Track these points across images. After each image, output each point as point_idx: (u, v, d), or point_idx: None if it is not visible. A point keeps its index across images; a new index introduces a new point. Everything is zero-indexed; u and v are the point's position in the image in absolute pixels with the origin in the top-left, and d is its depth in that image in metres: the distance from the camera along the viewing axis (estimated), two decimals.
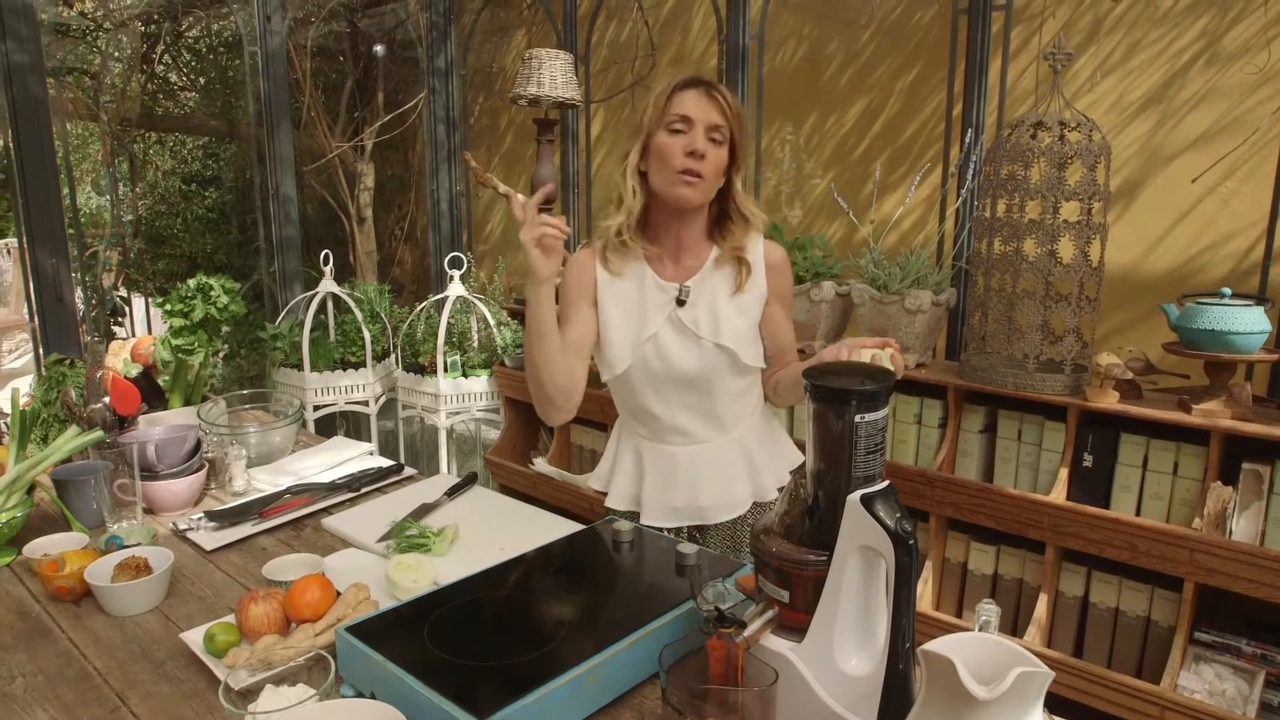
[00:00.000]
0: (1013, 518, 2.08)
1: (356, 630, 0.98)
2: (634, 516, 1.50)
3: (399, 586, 1.21)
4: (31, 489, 1.47)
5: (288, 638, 1.07)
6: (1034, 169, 1.99)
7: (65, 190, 3.07)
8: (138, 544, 1.36)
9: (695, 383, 1.44)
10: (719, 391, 1.45)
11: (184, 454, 1.61)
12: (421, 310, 3.38)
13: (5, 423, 1.80)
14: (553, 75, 2.90)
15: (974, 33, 2.41)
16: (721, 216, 1.46)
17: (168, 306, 1.87)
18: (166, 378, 1.93)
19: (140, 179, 5.06)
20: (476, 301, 3.24)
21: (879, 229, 2.53)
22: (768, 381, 1.53)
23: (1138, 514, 1.96)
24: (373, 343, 3.29)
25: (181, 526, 1.49)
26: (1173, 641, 1.88)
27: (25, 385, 2.27)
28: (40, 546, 1.33)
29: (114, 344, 2.13)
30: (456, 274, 3.22)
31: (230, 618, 1.12)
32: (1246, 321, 1.78)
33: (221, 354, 4.33)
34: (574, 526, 1.42)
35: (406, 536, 1.38)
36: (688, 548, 1.19)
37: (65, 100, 4.06)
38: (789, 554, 0.91)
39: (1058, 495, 2.03)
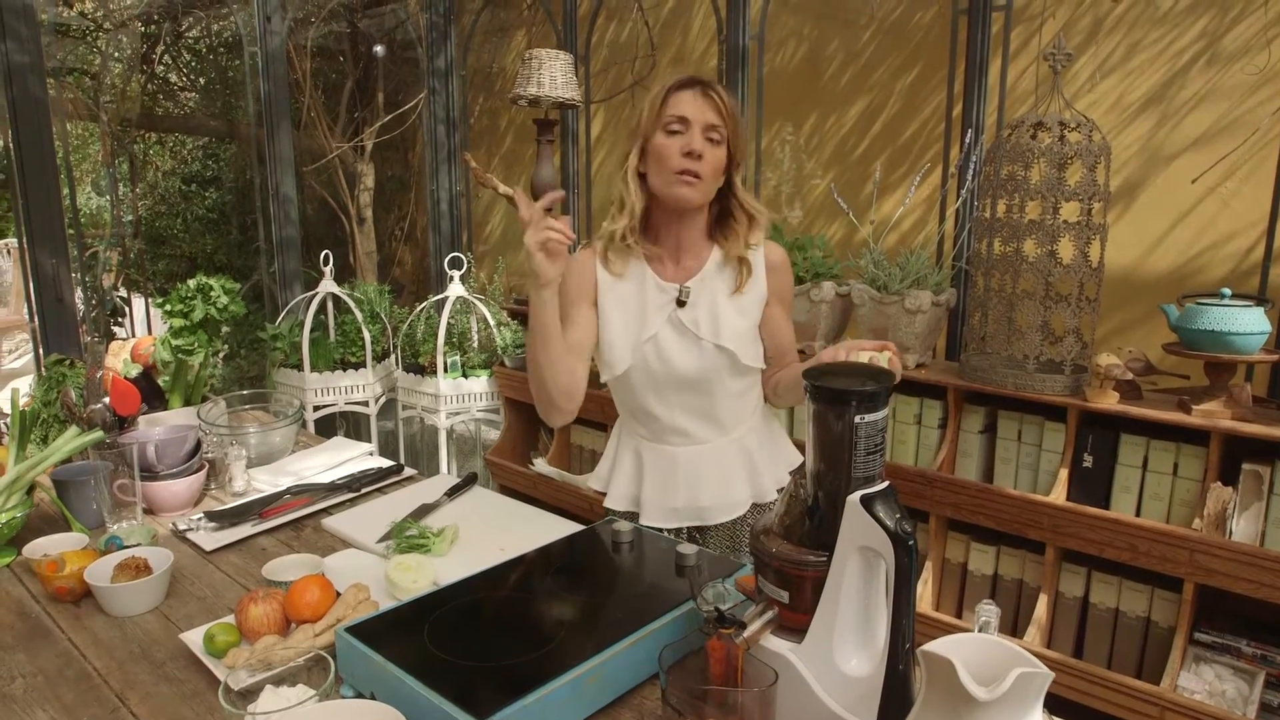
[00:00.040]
0: (1013, 518, 2.08)
1: (356, 631, 0.98)
2: (633, 517, 1.49)
3: (399, 587, 1.21)
4: (31, 489, 1.47)
5: (287, 638, 1.07)
6: (1034, 169, 1.99)
7: (65, 190, 3.07)
8: (138, 544, 1.36)
9: (695, 383, 1.44)
10: (719, 392, 1.45)
11: (184, 454, 1.61)
12: (421, 310, 3.38)
13: (5, 423, 1.80)
14: (553, 75, 2.90)
15: (974, 33, 2.41)
16: (723, 215, 1.46)
17: (168, 307, 1.87)
18: (166, 378, 1.92)
19: (140, 179, 5.06)
20: (476, 302, 3.24)
21: (879, 229, 2.53)
22: (768, 382, 1.53)
23: (1138, 514, 1.96)
24: (373, 343, 3.29)
25: (181, 527, 1.49)
26: (1173, 642, 1.88)
27: (25, 385, 2.27)
28: (40, 547, 1.33)
29: (114, 344, 2.13)
30: (456, 274, 3.22)
31: (230, 618, 1.12)
32: (1246, 322, 1.78)
33: (221, 354, 4.33)
34: (574, 527, 1.42)
35: (406, 537, 1.38)
36: (687, 548, 1.19)
37: (65, 100, 4.06)
38: (789, 555, 0.91)
39: (1058, 496, 2.03)
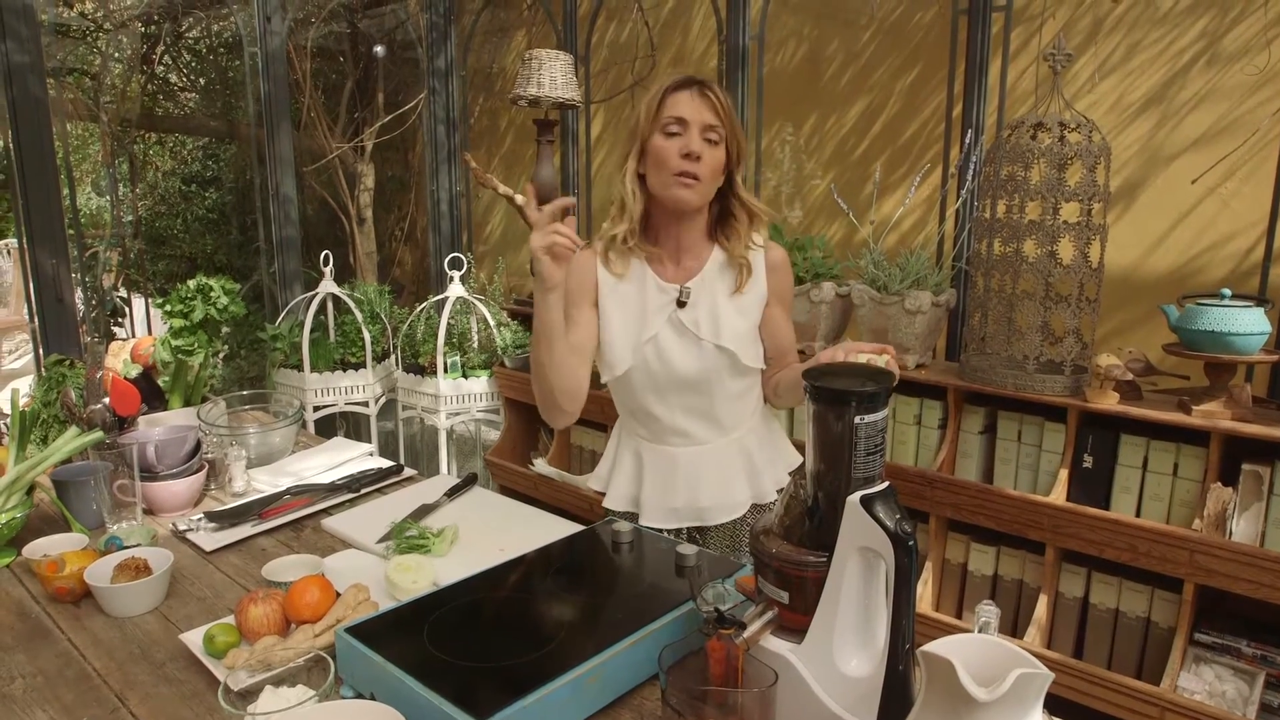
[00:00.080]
0: (1013, 519, 2.08)
1: (356, 631, 0.98)
2: (633, 517, 1.49)
3: (399, 587, 1.21)
4: (31, 490, 1.47)
5: (287, 639, 1.07)
6: (1034, 170, 1.99)
7: (65, 191, 3.07)
8: (137, 545, 1.36)
9: (695, 384, 1.44)
10: (718, 393, 1.45)
11: (184, 455, 1.61)
12: (421, 311, 3.38)
13: (5, 423, 1.80)
14: (553, 76, 2.90)
15: (974, 33, 2.41)
16: (724, 215, 1.46)
17: (168, 307, 1.87)
18: (166, 378, 1.92)
19: (140, 179, 5.06)
20: (476, 302, 3.24)
21: (879, 230, 2.53)
22: (767, 383, 1.53)
23: (1138, 515, 1.96)
24: (373, 343, 3.29)
25: (181, 527, 1.49)
26: (1173, 642, 1.88)
27: (25, 386, 2.27)
28: (40, 547, 1.33)
29: (114, 345, 2.13)
30: (456, 275, 3.22)
31: (230, 619, 1.12)
32: (1246, 323, 1.78)
33: (221, 355, 4.33)
34: (574, 527, 1.42)
35: (406, 537, 1.38)
36: (687, 549, 1.19)
37: (65, 101, 4.06)
38: (789, 555, 0.91)
39: (1058, 496, 2.03)
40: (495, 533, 1.45)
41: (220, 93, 4.92)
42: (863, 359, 1.14)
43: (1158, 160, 2.35)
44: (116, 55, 4.56)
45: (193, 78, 5.06)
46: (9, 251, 5.87)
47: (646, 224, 1.45)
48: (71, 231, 3.30)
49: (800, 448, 1.45)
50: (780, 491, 1.30)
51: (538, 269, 1.27)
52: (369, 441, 3.15)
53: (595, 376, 1.45)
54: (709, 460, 1.49)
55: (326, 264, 3.30)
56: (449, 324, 3.17)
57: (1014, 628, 2.17)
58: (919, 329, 2.23)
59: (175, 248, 5.08)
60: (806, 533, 0.92)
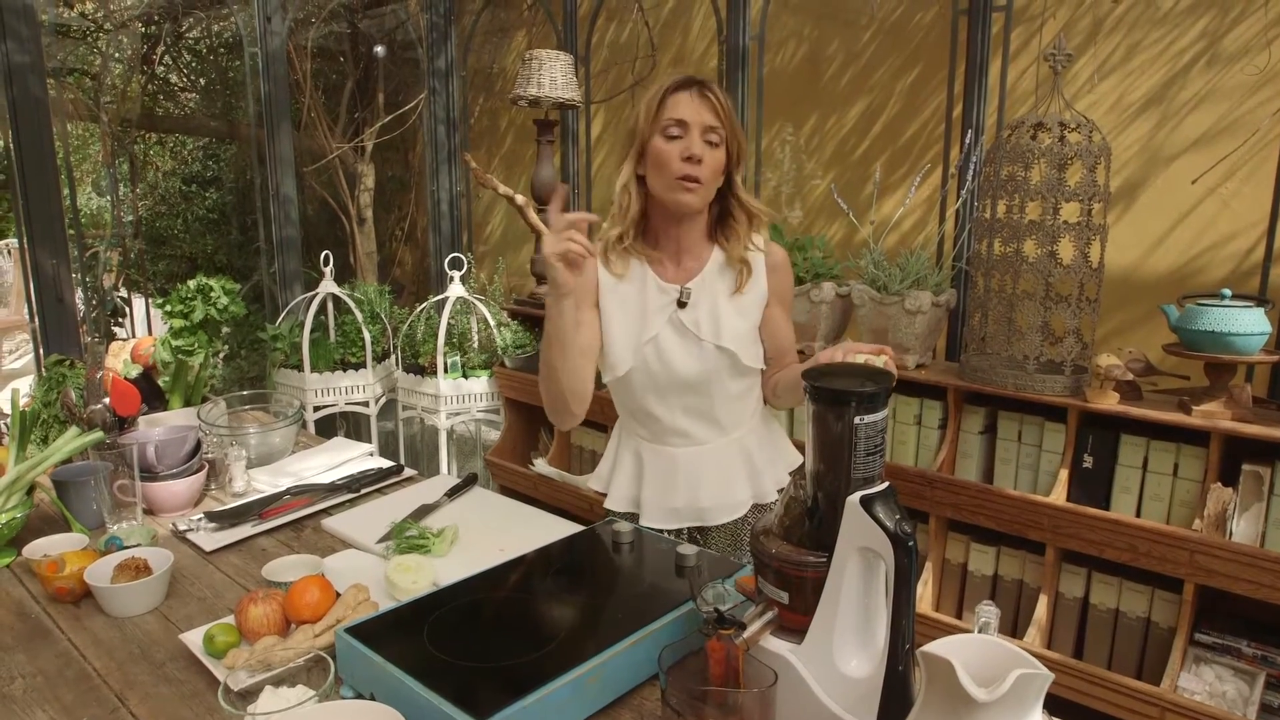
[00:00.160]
0: (1013, 519, 2.08)
1: (356, 631, 0.98)
2: (634, 518, 1.49)
3: (398, 588, 1.21)
4: (31, 490, 1.47)
5: (287, 639, 1.07)
6: (1034, 170, 1.99)
7: (65, 191, 3.07)
8: (137, 545, 1.36)
9: (695, 385, 1.44)
10: (719, 393, 1.45)
11: (184, 455, 1.61)
12: (421, 311, 3.38)
13: (5, 423, 1.80)
14: (553, 76, 2.90)
15: (974, 34, 2.41)
16: (723, 216, 1.46)
17: (168, 307, 1.87)
18: (166, 378, 1.93)
19: (140, 180, 5.06)
20: (477, 302, 3.24)
21: (879, 230, 2.53)
22: (767, 383, 1.53)
23: (1138, 515, 1.96)
24: (373, 343, 3.29)
25: (181, 527, 1.49)
26: (1173, 643, 1.88)
27: (25, 386, 2.27)
28: (40, 547, 1.33)
29: (114, 345, 2.13)
30: (457, 275, 3.22)
31: (230, 619, 1.12)
32: (1247, 323, 1.78)
33: (222, 355, 4.34)
34: (574, 528, 1.42)
35: (406, 537, 1.38)
36: (687, 549, 1.19)
37: (66, 101, 4.06)
38: (788, 555, 0.91)
39: (1058, 496, 2.03)
40: (495, 533, 1.45)
41: (220, 93, 4.92)
42: (861, 359, 1.14)
43: (1158, 160, 2.35)
44: (117, 55, 4.56)
45: (193, 78, 5.06)
46: (9, 251, 5.88)
47: (646, 225, 1.45)
48: (72, 231, 3.30)
49: (800, 448, 1.45)
50: (781, 491, 1.30)
51: (551, 276, 1.26)
52: (369, 442, 3.15)
53: (596, 377, 1.46)
54: (709, 460, 1.49)
55: (327, 264, 3.31)
56: (449, 324, 3.17)
57: (1014, 628, 2.17)
58: (919, 329, 2.23)
59: (175, 248, 5.08)
60: (806, 533, 0.92)
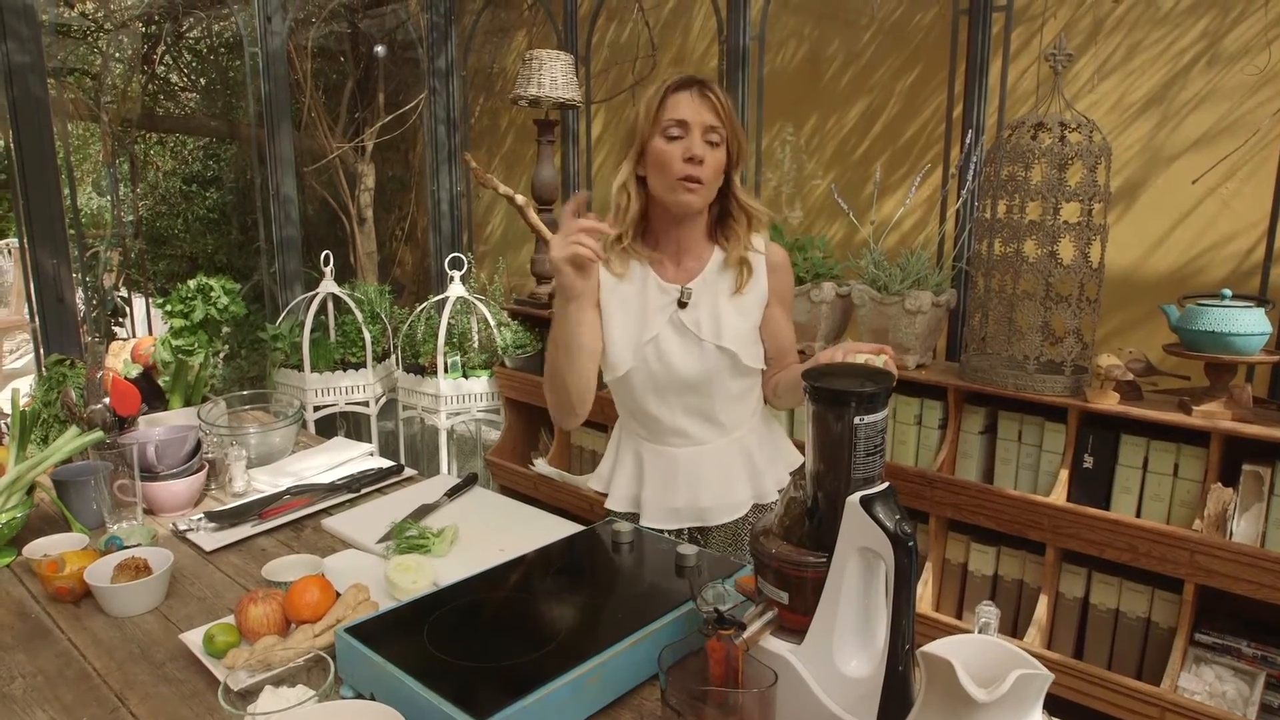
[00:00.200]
0: (1013, 519, 2.08)
1: (356, 631, 0.98)
2: (634, 518, 1.49)
3: (398, 587, 1.21)
4: (31, 489, 1.47)
5: (287, 639, 1.07)
6: (1034, 170, 1.99)
7: (66, 191, 3.07)
8: (137, 544, 1.36)
9: (695, 385, 1.44)
10: (719, 393, 1.45)
11: (184, 455, 1.61)
12: (422, 311, 3.38)
13: (5, 423, 1.80)
14: (553, 76, 2.90)
15: (974, 34, 2.41)
16: (723, 216, 1.46)
17: (168, 307, 1.87)
18: (167, 378, 1.93)
19: (141, 179, 5.07)
20: (477, 302, 3.24)
21: (879, 230, 2.53)
22: (768, 383, 1.53)
23: (1138, 515, 1.96)
24: (373, 343, 3.29)
25: (181, 527, 1.49)
26: (1173, 643, 1.88)
27: (26, 385, 2.27)
28: (40, 547, 1.33)
29: (114, 344, 2.13)
30: (457, 274, 3.22)
31: (230, 618, 1.12)
32: (1247, 323, 1.78)
33: (222, 355, 4.34)
34: (574, 527, 1.42)
35: (406, 537, 1.38)
36: (687, 549, 1.19)
37: (66, 101, 4.06)
38: (788, 555, 0.91)
39: (1058, 496, 2.03)
40: (495, 533, 1.45)
41: (221, 93, 4.92)
42: (861, 359, 1.14)
43: (1158, 160, 2.35)
44: (117, 55, 4.56)
45: (193, 78, 5.06)
46: (10, 251, 5.88)
47: (646, 226, 1.45)
48: (72, 231, 3.31)
49: (800, 448, 1.45)
50: (781, 491, 1.30)
51: (560, 281, 1.24)
52: (369, 441, 3.15)
53: (598, 376, 1.46)
54: (710, 460, 1.49)
55: (327, 264, 3.31)
56: (449, 324, 3.17)
57: (1014, 628, 2.17)
58: (919, 329, 2.23)
59: (176, 248, 5.08)
60: (806, 533, 0.92)
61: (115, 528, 1.42)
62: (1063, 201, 1.97)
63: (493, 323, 3.21)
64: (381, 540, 1.41)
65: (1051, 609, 2.09)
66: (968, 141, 2.36)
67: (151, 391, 1.88)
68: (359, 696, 0.95)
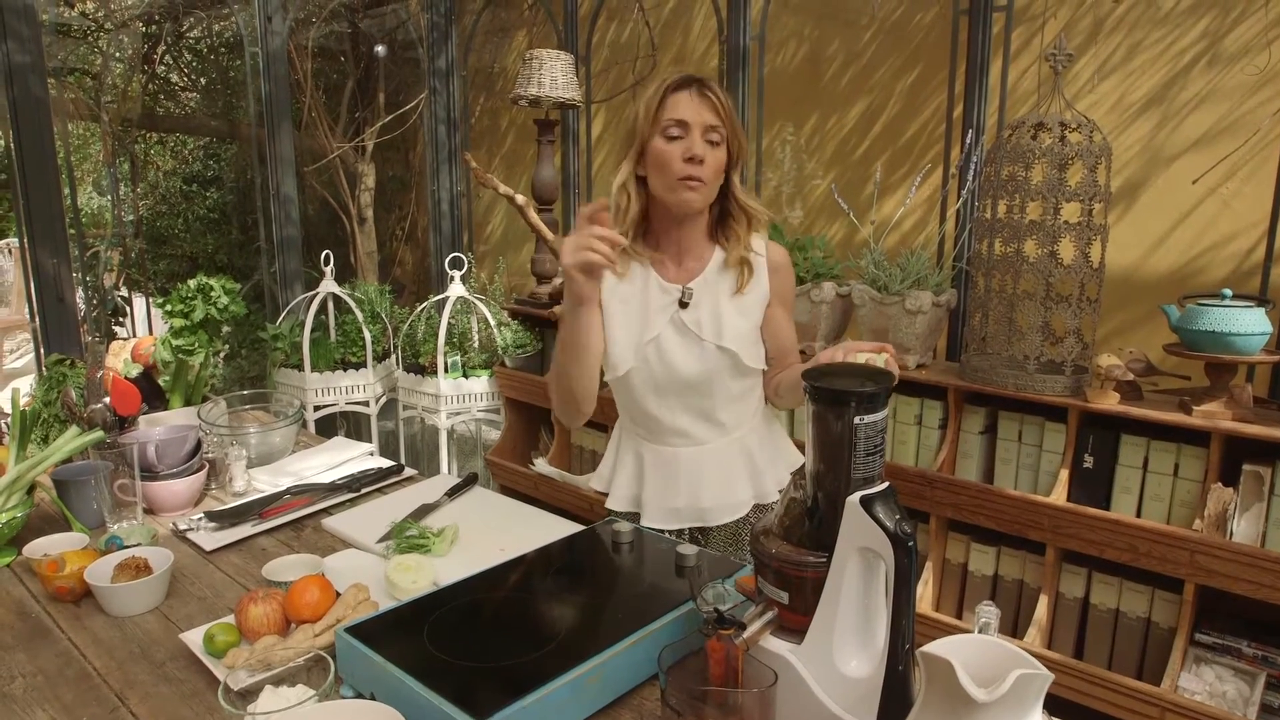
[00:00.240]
0: (1013, 519, 2.08)
1: (356, 631, 0.98)
2: (635, 518, 1.49)
3: (398, 587, 1.21)
4: (32, 489, 1.47)
5: (287, 638, 1.07)
6: (1035, 170, 1.99)
7: (66, 190, 3.07)
8: (138, 544, 1.36)
9: (696, 385, 1.44)
10: (719, 393, 1.45)
11: (184, 454, 1.61)
12: (422, 311, 3.38)
13: (6, 423, 1.80)
14: (553, 76, 2.90)
15: (975, 34, 2.41)
16: (723, 216, 1.46)
17: (168, 307, 1.87)
18: (167, 378, 1.93)
19: (141, 179, 5.07)
20: (477, 302, 3.24)
21: (879, 230, 2.53)
22: (769, 384, 1.52)
23: (1138, 515, 1.96)
24: (373, 343, 3.29)
25: (181, 527, 1.49)
26: (1173, 643, 1.88)
27: (26, 385, 2.27)
28: (40, 547, 1.33)
29: (114, 344, 2.13)
30: (457, 274, 3.22)
31: (230, 618, 1.12)
32: (1247, 323, 1.78)
33: (222, 354, 4.34)
34: (574, 527, 1.42)
35: (406, 537, 1.38)
36: (687, 549, 1.19)
37: (66, 100, 4.06)
38: (788, 555, 0.91)
39: (1058, 496, 2.03)
40: (495, 533, 1.45)
41: (221, 92, 4.92)
42: (862, 358, 1.13)
43: (1159, 160, 2.35)
44: (117, 55, 4.56)
45: (194, 77, 5.06)
46: (10, 251, 5.88)
47: (647, 226, 1.45)
48: (72, 231, 3.31)
49: (801, 448, 1.45)
50: (782, 491, 1.30)
51: (570, 287, 1.23)
52: (369, 441, 3.15)
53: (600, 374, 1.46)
54: (710, 460, 1.49)
55: (327, 264, 3.31)
56: (449, 324, 3.17)
57: (1014, 628, 2.17)
58: (919, 329, 2.23)
59: (176, 247, 5.09)
60: (806, 533, 0.92)
61: (115, 527, 1.42)
62: (1063, 201, 1.97)
63: (493, 322, 3.21)
64: (381, 540, 1.41)
65: (1051, 609, 2.09)
66: (968, 141, 2.36)
67: (152, 391, 1.88)
68: (359, 696, 0.95)
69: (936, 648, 0.69)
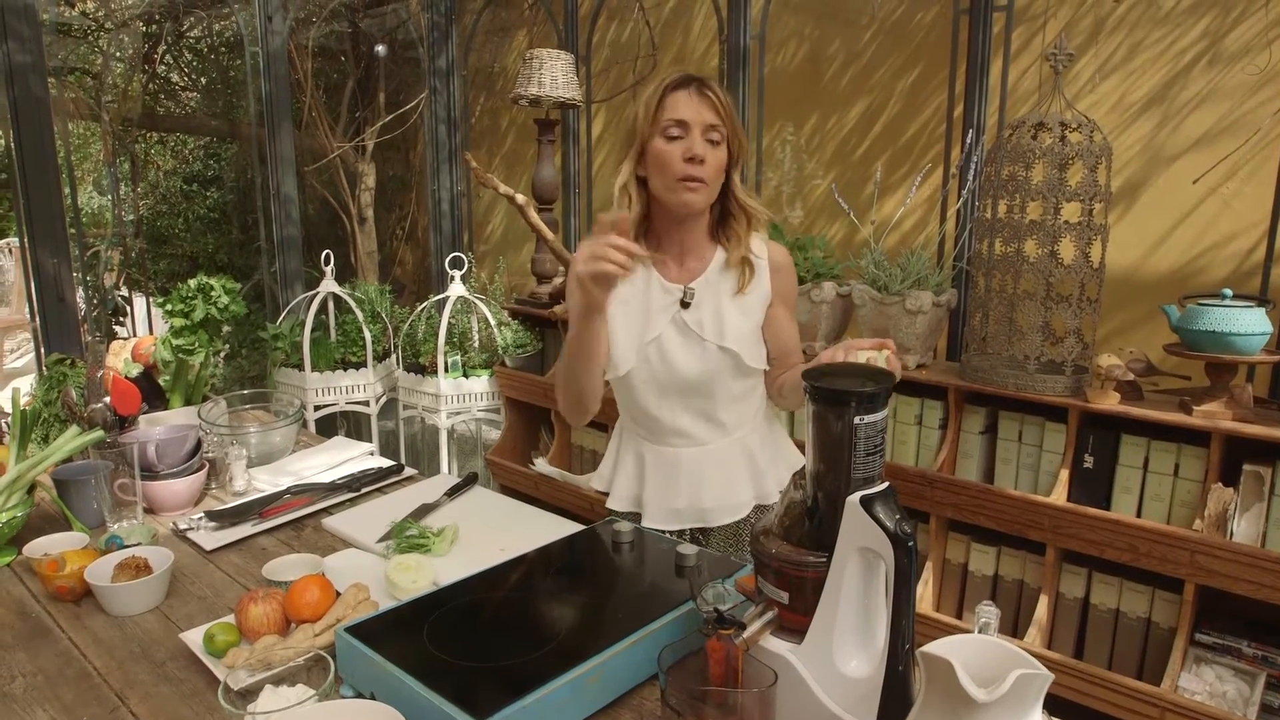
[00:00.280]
0: (1013, 519, 2.08)
1: (356, 631, 0.98)
2: (636, 518, 1.49)
3: (399, 587, 1.21)
4: (32, 489, 1.47)
5: (287, 638, 1.07)
6: (1035, 170, 1.99)
7: (66, 190, 3.07)
8: (138, 544, 1.36)
9: (698, 385, 1.44)
10: (721, 394, 1.45)
11: (184, 454, 1.61)
12: (422, 310, 3.38)
13: (6, 422, 1.80)
14: (554, 75, 2.90)
15: (975, 33, 2.41)
16: (724, 215, 1.45)
17: (169, 306, 1.87)
18: (167, 377, 1.93)
19: (141, 179, 5.07)
20: (477, 302, 3.24)
21: (880, 230, 2.53)
22: (772, 384, 1.52)
23: (1138, 515, 1.96)
24: (373, 343, 3.29)
25: (182, 526, 1.49)
26: (1173, 643, 1.88)
27: (26, 385, 2.27)
28: (40, 546, 1.33)
29: (115, 344, 2.13)
30: (457, 274, 3.22)
31: (230, 618, 1.12)
32: (1248, 323, 1.78)
33: (222, 354, 4.33)
34: (574, 527, 1.42)
35: (406, 537, 1.38)
36: (688, 549, 1.19)
37: (67, 100, 4.06)
38: (788, 555, 0.91)
39: (1058, 496, 2.03)
40: (495, 533, 1.45)
41: (221, 92, 4.92)
42: (863, 357, 1.13)
43: (1159, 160, 2.35)
44: (118, 54, 4.56)
45: (194, 77, 5.06)
46: (10, 250, 5.88)
47: (649, 227, 1.45)
48: (73, 231, 3.31)
49: (801, 448, 1.45)
50: (783, 491, 1.30)
51: (583, 297, 1.22)
52: (370, 441, 3.15)
53: None
54: (711, 461, 1.49)
55: (327, 263, 3.31)
56: (450, 323, 3.17)
57: (1014, 628, 2.17)
58: (920, 329, 2.23)
59: (176, 247, 5.09)
60: (806, 533, 0.92)
61: (115, 527, 1.42)
62: (1063, 201, 1.97)
63: (493, 322, 3.21)
64: (381, 540, 1.41)
65: (1052, 609, 2.09)
66: (968, 141, 2.36)
67: (152, 391, 1.88)
68: (359, 696, 0.95)
69: (936, 648, 0.69)
